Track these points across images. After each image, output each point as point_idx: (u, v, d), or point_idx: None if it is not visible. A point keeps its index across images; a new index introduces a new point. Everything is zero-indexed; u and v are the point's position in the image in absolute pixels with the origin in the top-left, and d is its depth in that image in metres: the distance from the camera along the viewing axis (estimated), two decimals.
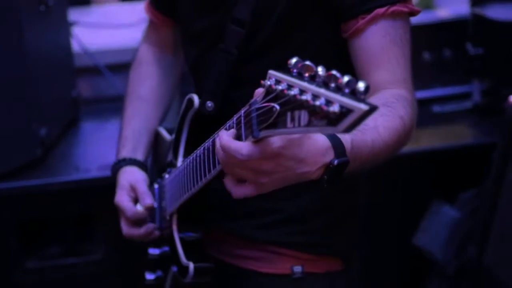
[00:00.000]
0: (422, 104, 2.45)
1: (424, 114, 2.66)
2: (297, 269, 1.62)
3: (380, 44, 1.45)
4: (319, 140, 1.20)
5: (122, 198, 1.72)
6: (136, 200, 1.73)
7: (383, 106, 1.35)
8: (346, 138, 1.24)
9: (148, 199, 1.70)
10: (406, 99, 1.42)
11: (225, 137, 1.21)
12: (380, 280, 2.69)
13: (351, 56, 1.50)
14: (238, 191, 1.24)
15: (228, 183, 1.26)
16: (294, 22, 1.51)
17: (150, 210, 1.72)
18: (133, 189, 1.73)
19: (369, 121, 1.27)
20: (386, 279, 2.73)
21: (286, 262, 1.62)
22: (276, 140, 1.14)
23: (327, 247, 1.65)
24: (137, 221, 1.73)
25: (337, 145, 1.22)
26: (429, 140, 2.53)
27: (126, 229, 1.74)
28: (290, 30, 1.52)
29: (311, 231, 1.63)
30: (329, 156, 1.20)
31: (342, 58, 1.50)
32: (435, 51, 2.74)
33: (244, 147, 1.16)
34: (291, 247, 1.62)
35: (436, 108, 2.73)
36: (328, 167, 1.21)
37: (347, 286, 1.70)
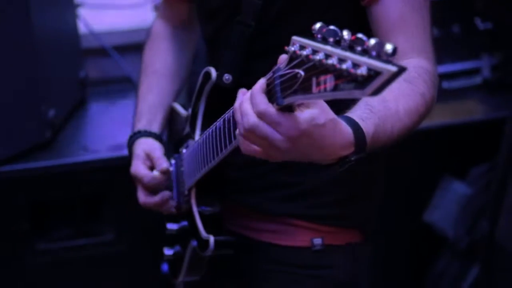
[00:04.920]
0: None
1: None
2: (317, 241, 1.61)
3: (399, 10, 1.44)
4: (343, 133, 1.18)
5: (138, 167, 1.72)
6: (152, 169, 1.72)
7: (405, 83, 1.34)
8: (369, 132, 1.22)
9: (164, 163, 1.69)
10: (427, 71, 1.41)
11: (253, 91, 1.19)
12: (390, 257, 2.69)
13: (371, 24, 1.48)
14: (248, 147, 1.22)
15: (240, 139, 1.24)
16: None
17: (167, 176, 1.71)
18: (148, 157, 1.73)
19: (392, 104, 1.28)
20: (397, 255, 2.73)
21: (305, 235, 1.62)
22: (299, 124, 1.13)
23: (347, 219, 1.65)
24: (153, 189, 1.72)
25: (359, 141, 1.20)
26: (439, 116, 2.51)
27: (142, 197, 1.73)
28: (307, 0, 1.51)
29: (330, 204, 1.62)
30: (349, 151, 1.19)
31: (359, 27, 1.48)
32: (444, 27, 2.73)
33: (265, 106, 1.14)
34: (310, 220, 1.62)
35: (446, 84, 2.72)
36: (343, 159, 1.20)
37: (367, 258, 1.69)
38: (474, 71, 2.74)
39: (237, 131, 1.25)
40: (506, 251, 2.34)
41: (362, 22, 1.50)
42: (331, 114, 1.15)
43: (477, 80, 2.73)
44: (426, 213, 2.62)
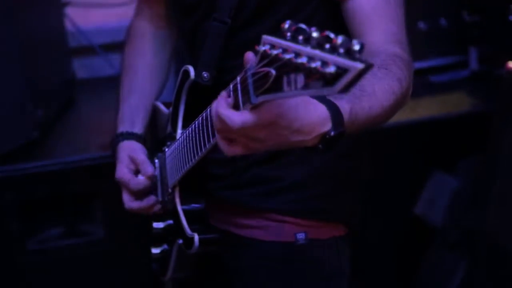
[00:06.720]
0: (419, 74, 2.44)
1: (421, 84, 2.66)
2: (301, 236, 1.62)
3: (372, 4, 1.46)
4: (317, 109, 1.19)
5: (123, 171, 1.72)
6: (137, 172, 1.73)
7: (380, 69, 1.35)
8: (344, 107, 1.23)
9: (149, 168, 1.70)
10: (402, 60, 1.41)
11: (222, 103, 1.20)
12: (380, 250, 2.70)
13: (345, 19, 1.50)
14: (230, 150, 1.23)
15: (221, 142, 1.24)
16: None
17: (152, 180, 1.71)
18: (132, 161, 1.73)
19: (367, 87, 1.28)
20: (388, 248, 2.73)
21: (289, 230, 1.62)
22: (272, 108, 1.13)
23: (330, 213, 1.65)
24: (139, 193, 1.72)
25: (335, 116, 1.21)
26: (427, 109, 2.52)
27: (128, 202, 1.74)
28: None
29: (313, 198, 1.63)
30: (327, 126, 1.20)
31: (335, 23, 1.50)
32: (431, 21, 2.74)
33: (238, 115, 1.15)
34: (294, 215, 1.62)
35: (433, 78, 2.72)
36: (324, 137, 1.20)
37: (350, 249, 1.70)
38: (462, 64, 2.75)
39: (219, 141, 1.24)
40: (495, 243, 2.35)
41: (338, 18, 1.51)
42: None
43: (464, 73, 2.74)
44: (417, 206, 2.63)
